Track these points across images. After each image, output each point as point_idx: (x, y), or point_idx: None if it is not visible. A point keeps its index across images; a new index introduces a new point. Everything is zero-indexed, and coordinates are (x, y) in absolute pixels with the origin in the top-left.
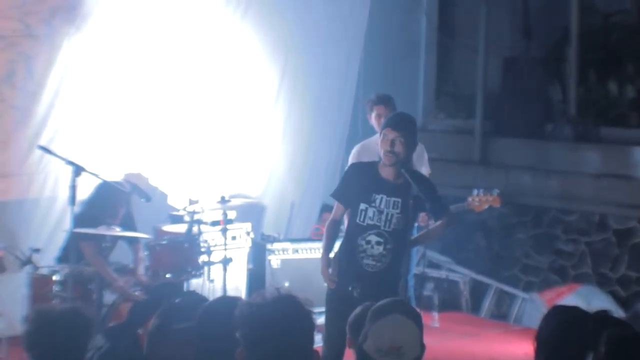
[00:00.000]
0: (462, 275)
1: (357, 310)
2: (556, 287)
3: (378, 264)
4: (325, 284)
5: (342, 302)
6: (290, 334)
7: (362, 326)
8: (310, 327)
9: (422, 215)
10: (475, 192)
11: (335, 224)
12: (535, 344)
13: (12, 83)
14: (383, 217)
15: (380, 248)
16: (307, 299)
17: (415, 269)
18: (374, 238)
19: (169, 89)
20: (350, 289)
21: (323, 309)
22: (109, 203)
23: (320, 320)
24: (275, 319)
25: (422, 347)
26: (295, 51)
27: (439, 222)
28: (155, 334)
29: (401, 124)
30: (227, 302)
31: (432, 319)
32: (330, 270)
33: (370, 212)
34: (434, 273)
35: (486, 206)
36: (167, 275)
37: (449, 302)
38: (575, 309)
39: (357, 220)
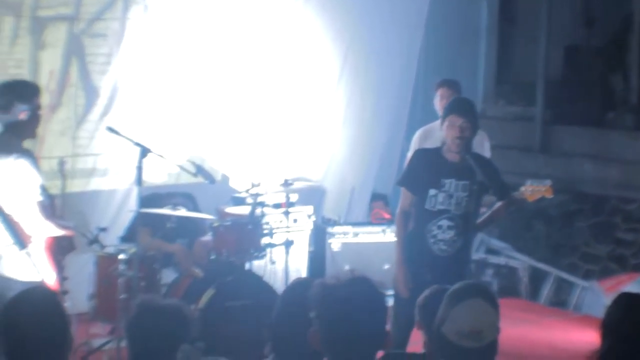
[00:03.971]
0: (521, 262)
1: (426, 292)
2: (616, 276)
3: (449, 248)
4: (387, 267)
5: (413, 286)
6: (364, 314)
7: (433, 308)
8: (383, 308)
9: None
10: (528, 182)
11: (405, 215)
12: (601, 331)
13: (82, 65)
14: (453, 201)
15: (452, 232)
16: (380, 281)
17: (474, 255)
18: (445, 222)
19: (232, 73)
20: (422, 273)
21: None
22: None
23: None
24: (350, 300)
25: (498, 330)
26: (357, 36)
27: (500, 203)
28: (207, 311)
29: (466, 109)
30: (302, 284)
31: None
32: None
33: (440, 197)
34: (493, 259)
35: (539, 196)
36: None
37: (508, 289)
38: None
39: (427, 207)
